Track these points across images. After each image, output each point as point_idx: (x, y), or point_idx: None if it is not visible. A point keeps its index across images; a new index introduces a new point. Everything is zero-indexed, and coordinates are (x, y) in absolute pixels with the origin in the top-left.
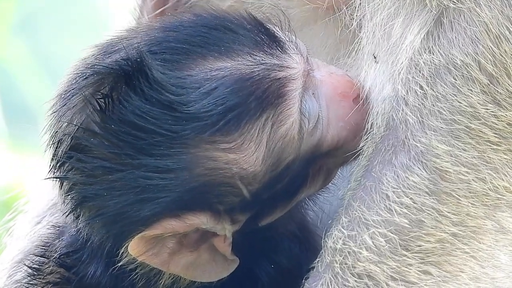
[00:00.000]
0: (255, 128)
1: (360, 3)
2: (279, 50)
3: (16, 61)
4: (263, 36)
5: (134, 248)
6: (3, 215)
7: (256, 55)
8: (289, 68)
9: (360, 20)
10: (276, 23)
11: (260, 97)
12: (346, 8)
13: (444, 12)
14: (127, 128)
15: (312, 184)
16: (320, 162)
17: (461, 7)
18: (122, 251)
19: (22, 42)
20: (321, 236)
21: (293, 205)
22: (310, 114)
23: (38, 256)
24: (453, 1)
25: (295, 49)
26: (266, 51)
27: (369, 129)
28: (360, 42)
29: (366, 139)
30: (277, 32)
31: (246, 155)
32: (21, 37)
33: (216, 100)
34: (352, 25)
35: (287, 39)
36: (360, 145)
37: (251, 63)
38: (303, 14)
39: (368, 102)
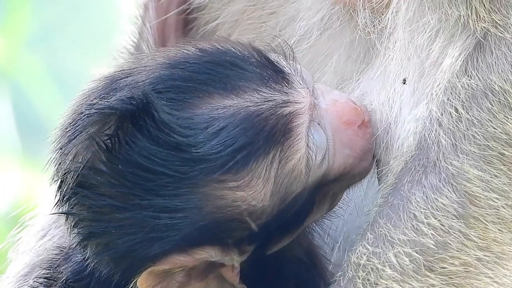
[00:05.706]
0: (263, 165)
1: (394, 26)
2: (285, 85)
3: (30, 75)
4: (269, 72)
5: (143, 283)
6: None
7: (262, 92)
8: (295, 103)
9: (387, 38)
10: (280, 53)
11: (268, 135)
12: (365, 26)
13: (486, 36)
14: (134, 169)
15: (318, 210)
16: (326, 189)
17: (504, 33)
18: (131, 285)
19: (36, 56)
20: (329, 260)
21: (299, 232)
22: (317, 147)
23: (44, 278)
24: (497, 27)
25: (301, 83)
26: (273, 87)
27: (399, 147)
28: (384, 61)
29: (396, 157)
30: (283, 65)
31: (254, 192)
32: (35, 52)
33: (225, 141)
34: (367, 41)
35: (292, 72)
36: (389, 163)
37: (257, 100)
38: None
39: (374, 125)
